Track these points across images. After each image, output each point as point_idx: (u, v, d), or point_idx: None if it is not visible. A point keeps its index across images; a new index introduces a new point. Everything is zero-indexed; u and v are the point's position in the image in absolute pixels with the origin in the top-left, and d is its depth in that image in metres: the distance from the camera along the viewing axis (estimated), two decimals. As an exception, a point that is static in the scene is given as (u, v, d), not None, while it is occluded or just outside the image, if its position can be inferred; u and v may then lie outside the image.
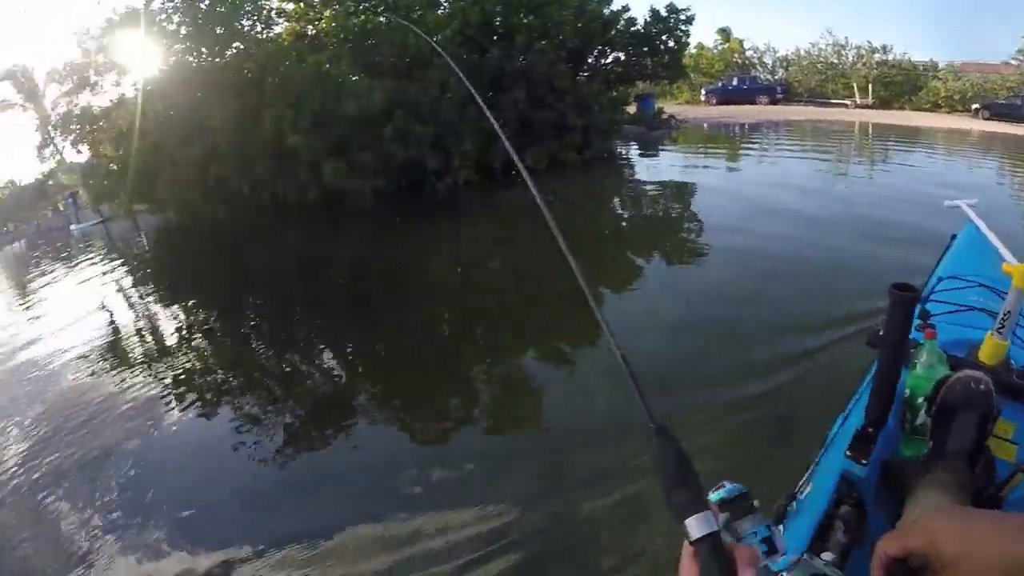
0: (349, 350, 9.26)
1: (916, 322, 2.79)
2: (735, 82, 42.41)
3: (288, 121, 16.66)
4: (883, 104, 39.66)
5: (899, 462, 2.20)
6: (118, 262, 18.28)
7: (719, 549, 0.95)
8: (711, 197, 16.27)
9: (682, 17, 25.61)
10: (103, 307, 13.07)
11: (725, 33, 48.89)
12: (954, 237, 4.82)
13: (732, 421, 5.65)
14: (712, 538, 0.95)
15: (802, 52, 45.75)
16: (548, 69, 19.15)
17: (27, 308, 14.97)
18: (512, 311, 9.68)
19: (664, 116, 30.26)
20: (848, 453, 2.24)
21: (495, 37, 19.65)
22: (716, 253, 11.07)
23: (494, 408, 6.95)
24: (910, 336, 2.25)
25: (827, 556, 1.85)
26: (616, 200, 17.62)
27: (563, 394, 6.84)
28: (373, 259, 13.48)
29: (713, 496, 1.20)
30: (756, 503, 1.20)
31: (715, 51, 48.25)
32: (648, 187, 18.55)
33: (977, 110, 33.99)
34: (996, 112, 32.61)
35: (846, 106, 39.75)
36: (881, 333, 2.28)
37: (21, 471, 6.59)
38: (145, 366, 9.07)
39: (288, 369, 8.79)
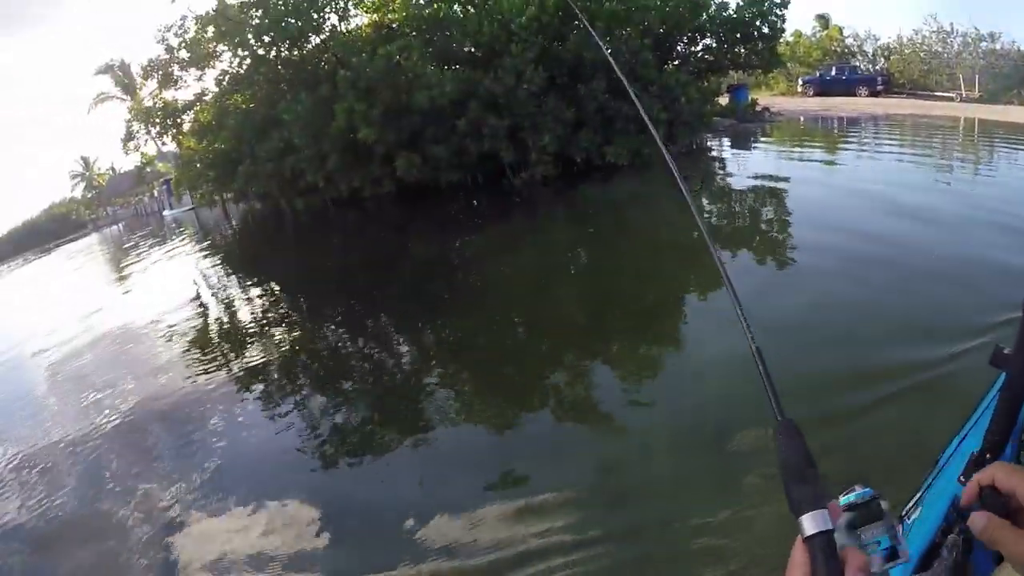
0: (406, 349, 9.35)
1: None
2: (833, 72, 40.13)
3: (360, 114, 16.37)
4: (991, 98, 36.05)
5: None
6: (201, 247, 19.78)
7: (830, 549, 0.95)
8: (806, 197, 14.83)
9: (777, 0, 23.59)
10: (181, 289, 14.54)
11: (824, 20, 46.28)
12: None
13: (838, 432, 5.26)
14: (824, 537, 0.95)
15: (904, 40, 42.85)
16: (631, 57, 17.75)
17: (123, 284, 16.90)
18: (586, 318, 9.26)
19: (758, 108, 28.63)
20: (961, 479, 2.11)
21: (574, 23, 18.21)
22: (813, 256, 10.25)
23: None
24: None
25: None
26: (704, 198, 15.97)
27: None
28: (440, 259, 13.03)
29: (842, 500, 1.11)
30: (885, 507, 1.08)
31: (813, 39, 45.65)
32: (738, 185, 17.20)
33: None
34: None
35: (951, 99, 36.94)
36: (1007, 352, 2.07)
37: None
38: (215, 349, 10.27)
39: (352, 365, 9.01)
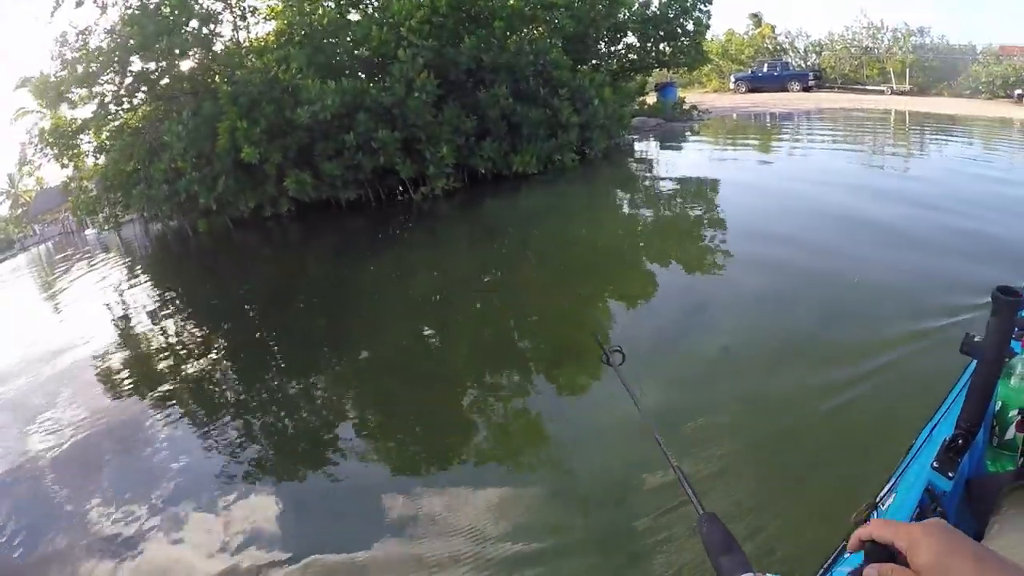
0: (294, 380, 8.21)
1: (1015, 330, 2.58)
2: (765, 68, 39.41)
3: (242, 132, 14.65)
4: (921, 90, 36.72)
5: (985, 478, 2.18)
6: (119, 268, 18.72)
7: None
8: (738, 196, 13.71)
9: None
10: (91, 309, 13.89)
11: (757, 18, 45.67)
12: None
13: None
14: None
15: (836, 36, 42.45)
16: (537, 59, 16.13)
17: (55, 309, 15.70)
18: (475, 364, 7.79)
19: (686, 107, 27.18)
20: (935, 465, 2.14)
21: (468, 24, 16.61)
22: (748, 265, 9.19)
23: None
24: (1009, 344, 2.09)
25: None
26: (625, 204, 14.64)
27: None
28: (329, 288, 11.66)
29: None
30: None
31: (746, 37, 44.80)
32: (664, 186, 15.74)
33: (1021, 96, 30.97)
34: None
35: (882, 92, 36.89)
36: (977, 339, 2.03)
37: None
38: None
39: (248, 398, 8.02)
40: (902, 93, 36.37)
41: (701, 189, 14.82)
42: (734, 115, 29.46)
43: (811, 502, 4.20)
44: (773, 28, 45.11)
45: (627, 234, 12.08)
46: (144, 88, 18.08)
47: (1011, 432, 2.30)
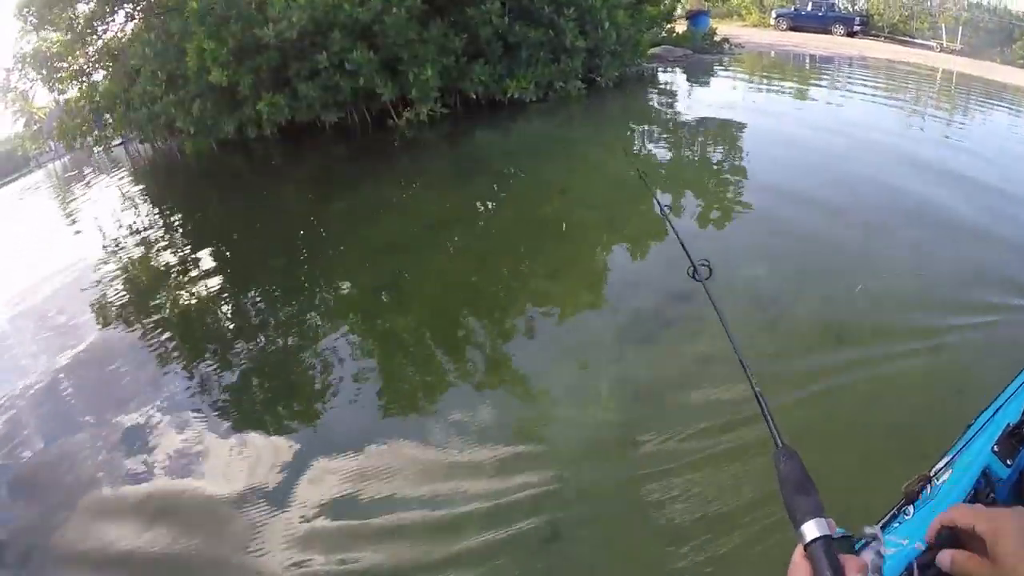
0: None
1: None
2: (810, 7, 36.48)
3: (211, 53, 12.87)
4: (972, 52, 33.46)
5: None
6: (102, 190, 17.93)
7: (831, 552, 0.97)
8: (759, 146, 11.82)
9: None
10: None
11: None
12: None
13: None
14: (825, 541, 0.98)
15: None
16: None
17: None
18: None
19: (717, 38, 24.30)
20: (995, 448, 2.05)
21: None
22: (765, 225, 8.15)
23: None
24: None
25: None
26: (632, 141, 12.57)
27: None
28: (295, 223, 10.26)
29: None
30: (858, 545, 1.12)
31: None
32: (680, 127, 13.60)
33: None
34: None
35: (931, 48, 34.25)
36: None
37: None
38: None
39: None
40: (952, 52, 33.79)
41: (721, 133, 12.82)
42: (772, 53, 26.97)
43: (874, 462, 4.08)
44: None
45: (622, 179, 9.96)
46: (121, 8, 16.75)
47: None
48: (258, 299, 7.96)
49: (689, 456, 4.31)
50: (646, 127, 13.52)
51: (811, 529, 0.99)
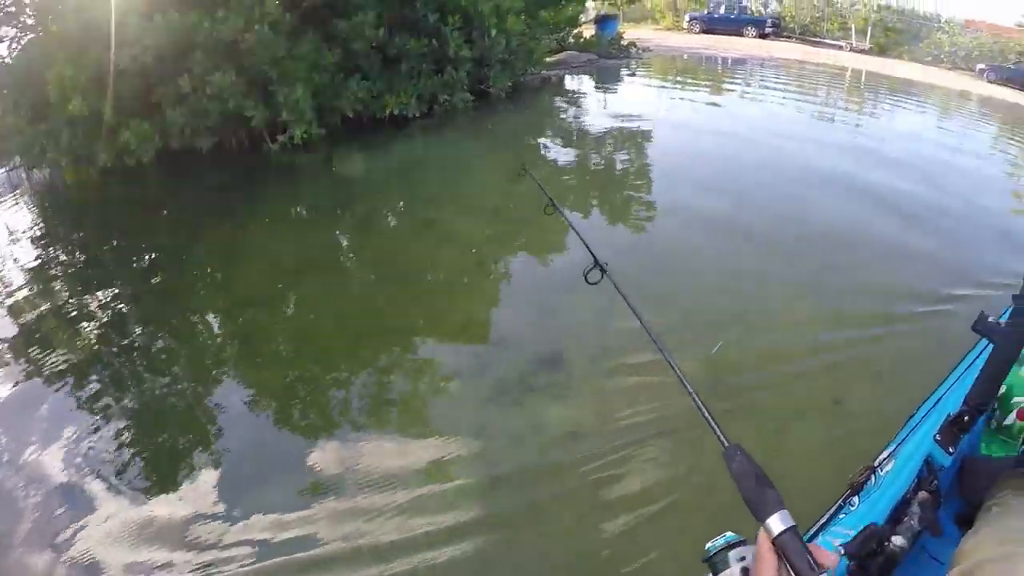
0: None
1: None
2: (722, 10, 36.39)
3: (71, 81, 11.25)
4: (880, 51, 34.78)
5: (979, 460, 2.17)
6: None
7: (799, 541, 1.01)
8: (664, 159, 11.32)
9: None
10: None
11: None
12: None
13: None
14: (792, 532, 1.01)
15: None
16: None
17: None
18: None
19: (624, 42, 23.50)
20: (937, 438, 2.13)
21: None
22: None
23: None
24: None
25: (898, 541, 1.74)
26: (517, 157, 11.21)
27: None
28: (164, 259, 8.63)
29: (713, 545, 1.17)
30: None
31: None
32: (578, 136, 12.89)
33: (982, 71, 29.66)
34: (1003, 76, 28.54)
35: (840, 48, 34.90)
36: (991, 319, 2.12)
37: None
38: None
39: None
40: (861, 51, 34.47)
41: (623, 142, 12.24)
42: (684, 56, 26.63)
43: (814, 453, 4.11)
44: None
45: (503, 202, 9.18)
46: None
47: (1011, 418, 2.26)
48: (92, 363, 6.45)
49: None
50: (539, 139, 12.52)
51: (777, 522, 1.01)
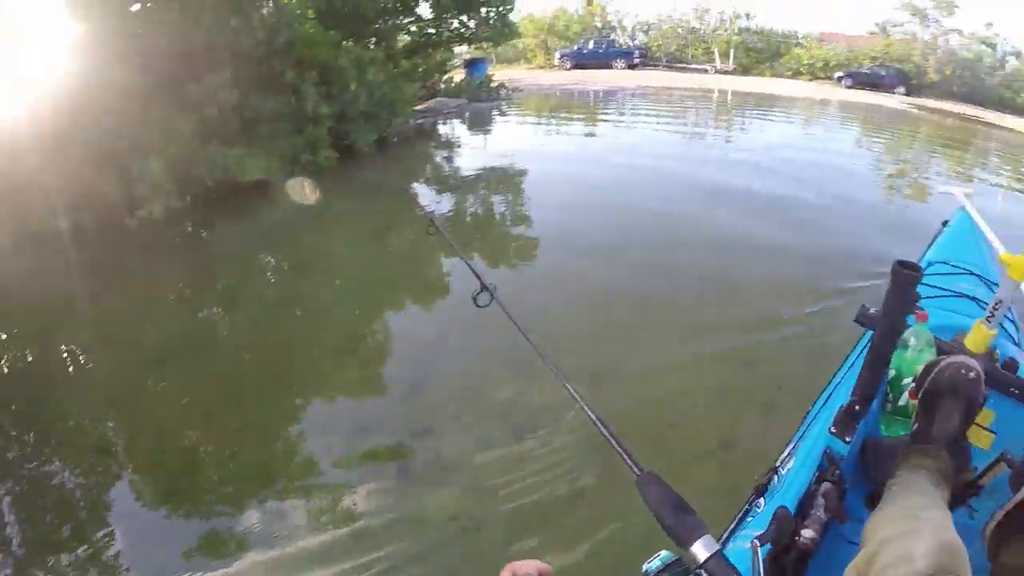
0: None
1: None
2: (591, 45, 37.39)
3: None
4: (744, 70, 36.67)
5: (880, 442, 2.21)
6: None
7: (730, 567, 1.01)
8: (541, 189, 11.42)
9: None
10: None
11: None
12: (945, 223, 4.65)
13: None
14: (719, 558, 1.01)
15: (664, 16, 41.92)
16: (269, 36, 11.81)
17: None
18: None
19: (493, 84, 23.53)
20: (832, 429, 2.17)
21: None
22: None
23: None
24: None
25: (807, 533, 1.72)
26: (396, 210, 11.07)
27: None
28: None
29: (649, 567, 1.15)
30: (687, 564, 1.11)
31: (576, 14, 42.56)
32: (451, 182, 12.59)
33: (840, 78, 32.46)
34: (859, 81, 31.50)
35: (706, 72, 36.07)
36: (872, 311, 2.27)
37: None
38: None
39: None
40: (725, 72, 35.84)
41: (497, 183, 12.12)
42: (557, 92, 26.90)
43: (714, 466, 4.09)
44: (603, 7, 43.25)
45: (374, 257, 8.89)
46: None
47: (904, 399, 2.32)
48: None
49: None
50: (411, 189, 12.11)
51: (702, 548, 1.00)
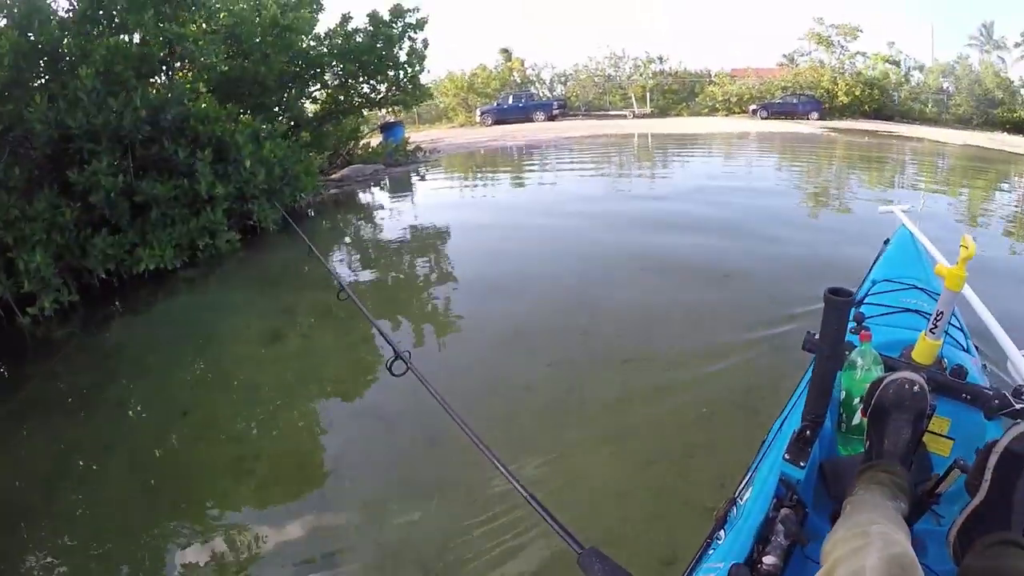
0: None
1: (851, 325, 2.64)
2: (510, 100, 37.42)
3: None
4: (661, 112, 37.45)
5: (836, 462, 2.24)
6: None
7: None
8: (459, 251, 10.98)
9: (411, 21, 17.54)
10: None
11: (507, 53, 44.06)
12: (887, 241, 4.73)
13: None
14: None
15: (580, 67, 42.73)
16: (154, 114, 10.77)
17: None
18: None
19: (410, 147, 22.71)
20: (786, 456, 2.11)
21: (41, 80, 10.83)
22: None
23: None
24: (846, 339, 2.11)
25: (769, 560, 1.71)
26: (304, 295, 9.89)
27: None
28: None
29: None
30: None
31: (495, 71, 42.70)
32: (369, 254, 11.89)
33: (755, 111, 33.05)
34: (774, 111, 32.20)
35: (625, 117, 36.53)
36: (817, 337, 2.14)
37: None
38: None
39: None
40: (644, 116, 36.30)
41: (410, 249, 11.48)
42: (479, 150, 26.16)
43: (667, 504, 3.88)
44: (523, 62, 43.92)
45: (275, 371, 7.36)
46: None
47: (857, 418, 2.33)
48: None
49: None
50: (320, 268, 11.13)
51: None
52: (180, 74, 12.65)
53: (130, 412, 6.90)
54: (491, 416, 5.07)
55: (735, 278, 7.60)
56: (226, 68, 13.41)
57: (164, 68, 12.36)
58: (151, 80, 11.83)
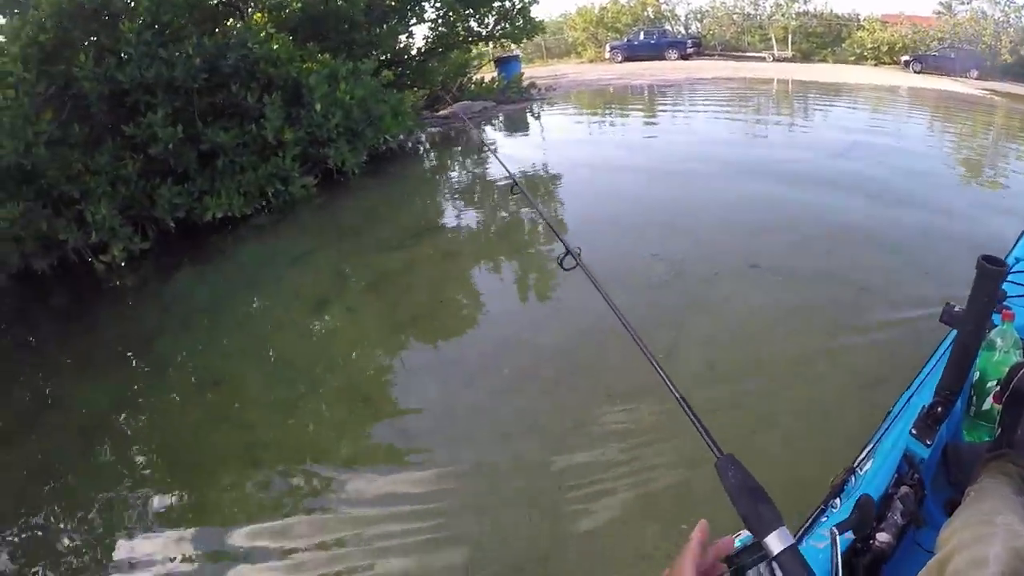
0: None
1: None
2: (642, 36, 34.67)
3: None
4: (804, 57, 33.40)
5: (962, 446, 2.10)
6: None
7: (800, 559, 0.92)
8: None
9: None
10: None
11: None
12: None
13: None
14: (793, 551, 0.91)
15: (718, 3, 38.67)
16: (212, 62, 9.67)
17: None
18: None
19: (524, 83, 20.73)
20: (913, 431, 2.02)
21: (93, 37, 9.78)
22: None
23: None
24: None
25: (883, 537, 1.63)
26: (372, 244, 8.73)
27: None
28: None
29: (737, 541, 1.04)
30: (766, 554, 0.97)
31: (628, 5, 39.60)
32: (460, 203, 10.51)
33: (907, 63, 28.69)
34: (928, 65, 27.55)
35: (763, 59, 33.23)
36: (957, 309, 1.99)
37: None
38: None
39: None
40: (784, 60, 32.89)
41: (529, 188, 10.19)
42: (607, 87, 24.00)
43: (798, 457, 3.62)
44: None
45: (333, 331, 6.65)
46: None
47: (988, 403, 2.17)
48: None
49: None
50: (405, 215, 9.83)
51: (776, 540, 0.89)
52: (257, 16, 11.53)
53: (167, 373, 6.14)
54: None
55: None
56: (299, 5, 12.13)
57: (236, 12, 11.43)
58: (222, 24, 10.94)
